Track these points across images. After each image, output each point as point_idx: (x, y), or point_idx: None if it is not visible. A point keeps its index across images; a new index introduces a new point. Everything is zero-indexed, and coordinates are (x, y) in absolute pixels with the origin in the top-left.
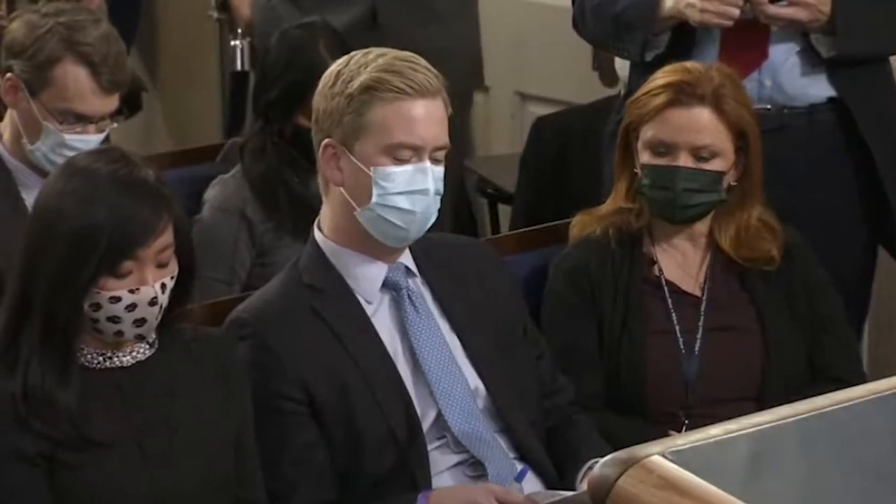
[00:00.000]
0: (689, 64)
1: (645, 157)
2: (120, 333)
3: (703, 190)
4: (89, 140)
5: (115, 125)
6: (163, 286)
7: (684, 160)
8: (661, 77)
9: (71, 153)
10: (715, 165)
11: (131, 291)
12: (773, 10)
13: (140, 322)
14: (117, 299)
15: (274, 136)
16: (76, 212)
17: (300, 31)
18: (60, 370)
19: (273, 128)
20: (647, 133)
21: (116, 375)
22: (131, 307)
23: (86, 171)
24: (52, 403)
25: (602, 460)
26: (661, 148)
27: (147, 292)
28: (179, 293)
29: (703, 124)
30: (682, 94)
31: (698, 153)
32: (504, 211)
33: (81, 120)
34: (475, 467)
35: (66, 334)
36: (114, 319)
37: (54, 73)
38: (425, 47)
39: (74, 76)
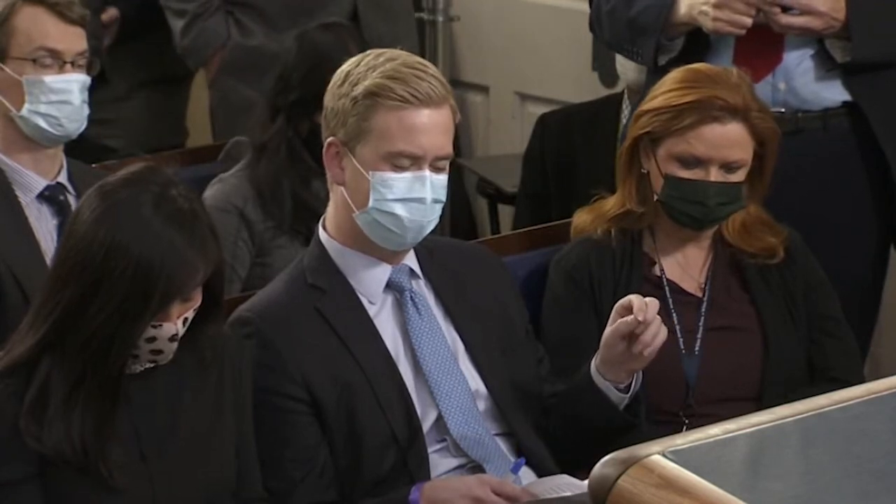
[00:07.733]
0: (709, 71)
1: (671, 168)
2: (135, 357)
3: (730, 202)
4: (70, 79)
5: (94, 73)
6: (184, 320)
7: (715, 174)
8: (687, 90)
9: (56, 97)
10: (739, 176)
11: (154, 326)
12: (785, 19)
13: (156, 352)
14: None
15: (290, 134)
16: (130, 255)
17: (327, 35)
18: (103, 417)
19: (293, 126)
20: (678, 146)
21: (125, 382)
22: (151, 340)
23: (129, 204)
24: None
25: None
26: (692, 162)
27: (169, 329)
28: (202, 317)
29: (736, 140)
30: (715, 109)
31: (728, 166)
32: (504, 211)
33: (55, 57)
34: (475, 471)
35: (111, 382)
36: None
37: (14, 23)
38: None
39: (32, 16)
